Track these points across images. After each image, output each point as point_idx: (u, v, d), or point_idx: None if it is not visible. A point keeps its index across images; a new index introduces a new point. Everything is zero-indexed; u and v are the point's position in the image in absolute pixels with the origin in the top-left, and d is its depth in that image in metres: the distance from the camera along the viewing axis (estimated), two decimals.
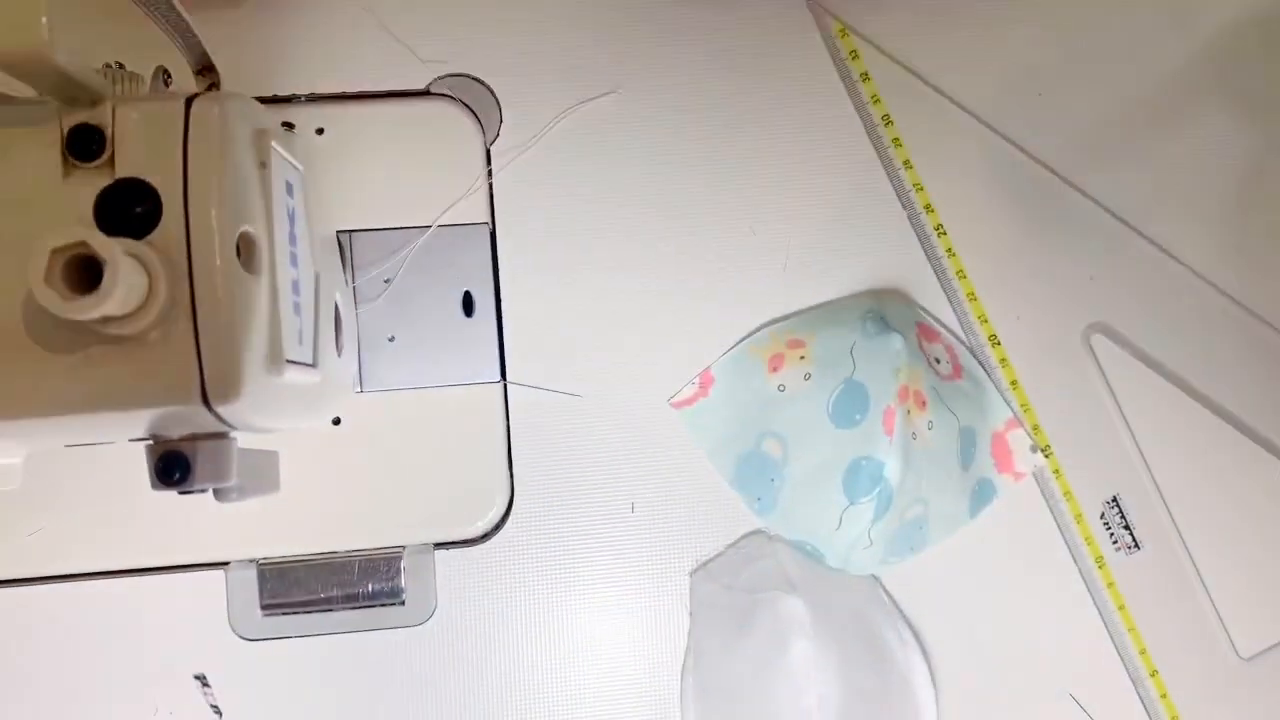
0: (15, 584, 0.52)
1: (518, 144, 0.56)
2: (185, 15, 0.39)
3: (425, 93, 0.56)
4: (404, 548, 0.54)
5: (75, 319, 0.31)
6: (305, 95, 0.54)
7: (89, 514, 0.52)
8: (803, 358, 0.55)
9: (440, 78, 0.56)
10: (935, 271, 0.57)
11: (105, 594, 0.53)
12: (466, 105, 0.56)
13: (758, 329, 0.57)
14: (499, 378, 0.55)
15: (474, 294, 0.55)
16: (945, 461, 0.55)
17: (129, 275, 0.31)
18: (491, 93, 0.56)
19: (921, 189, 0.57)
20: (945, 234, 0.57)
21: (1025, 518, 0.58)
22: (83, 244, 0.30)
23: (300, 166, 0.42)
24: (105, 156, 0.34)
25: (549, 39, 0.56)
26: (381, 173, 0.54)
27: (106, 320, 0.32)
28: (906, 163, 0.57)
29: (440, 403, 0.55)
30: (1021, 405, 0.57)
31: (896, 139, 0.57)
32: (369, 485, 0.54)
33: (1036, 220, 0.58)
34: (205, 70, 0.42)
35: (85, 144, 0.34)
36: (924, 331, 0.56)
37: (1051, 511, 0.57)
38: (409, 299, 0.54)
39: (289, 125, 0.53)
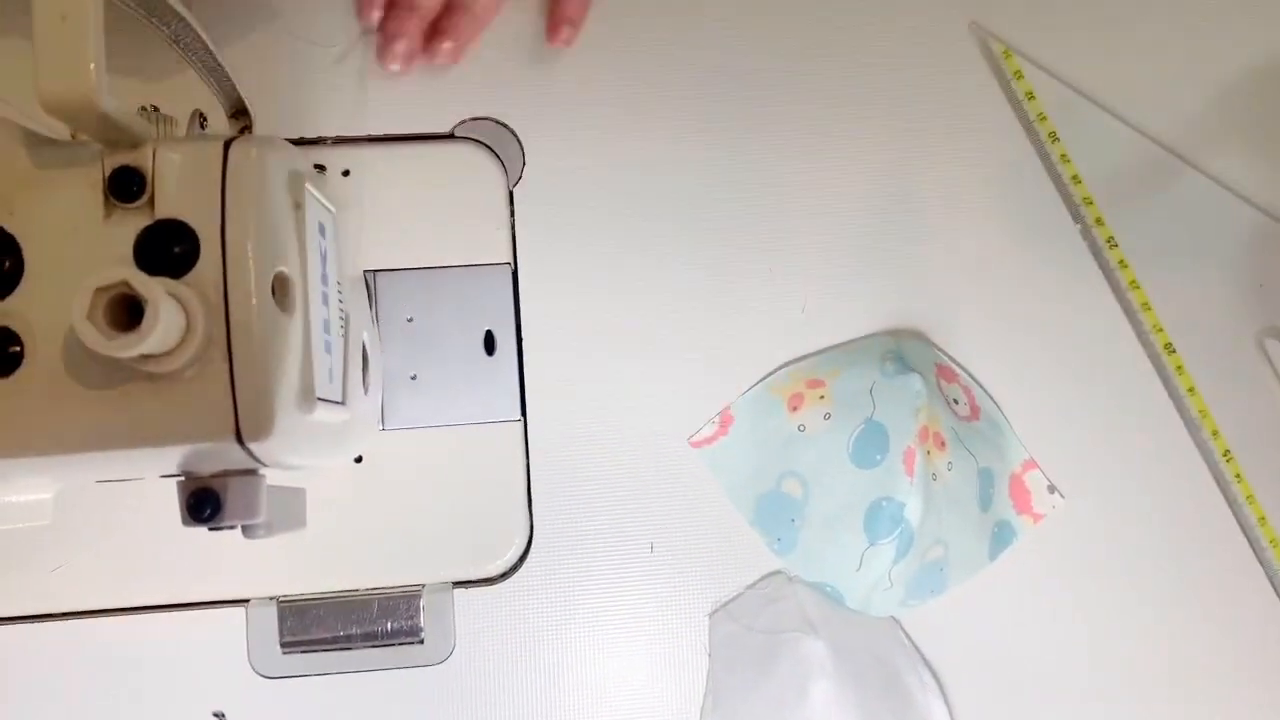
0: (37, 619, 0.52)
1: (540, 186, 0.57)
2: (221, 60, 0.40)
3: (450, 136, 0.57)
4: (423, 586, 0.54)
5: (115, 356, 0.31)
6: (332, 138, 0.55)
7: (110, 551, 0.52)
8: (822, 397, 0.56)
9: (464, 121, 0.57)
10: (1110, 285, 0.58)
11: (125, 630, 0.53)
12: (490, 148, 0.56)
13: (776, 369, 0.57)
14: (519, 416, 0.55)
15: (495, 333, 0.56)
16: (965, 503, 0.55)
17: (168, 314, 0.32)
18: (515, 136, 0.57)
19: (1091, 203, 0.58)
20: (1117, 246, 0.58)
21: (1047, 560, 0.57)
22: (125, 283, 0.31)
23: (333, 208, 0.42)
24: (145, 197, 0.35)
25: (571, 82, 0.57)
26: (406, 214, 0.55)
27: (144, 358, 0.33)
28: (1075, 178, 0.58)
29: (461, 441, 0.55)
30: (1199, 412, 0.58)
31: (1064, 155, 0.58)
32: (389, 523, 0.54)
33: (1204, 230, 0.59)
34: (239, 113, 0.43)
35: (126, 185, 0.35)
36: (942, 372, 0.57)
37: (1235, 516, 0.58)
38: (431, 338, 0.55)
39: (320, 167, 0.54)
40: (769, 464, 0.56)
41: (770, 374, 0.57)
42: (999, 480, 0.57)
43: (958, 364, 0.58)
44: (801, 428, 0.56)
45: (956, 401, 0.56)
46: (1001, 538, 0.57)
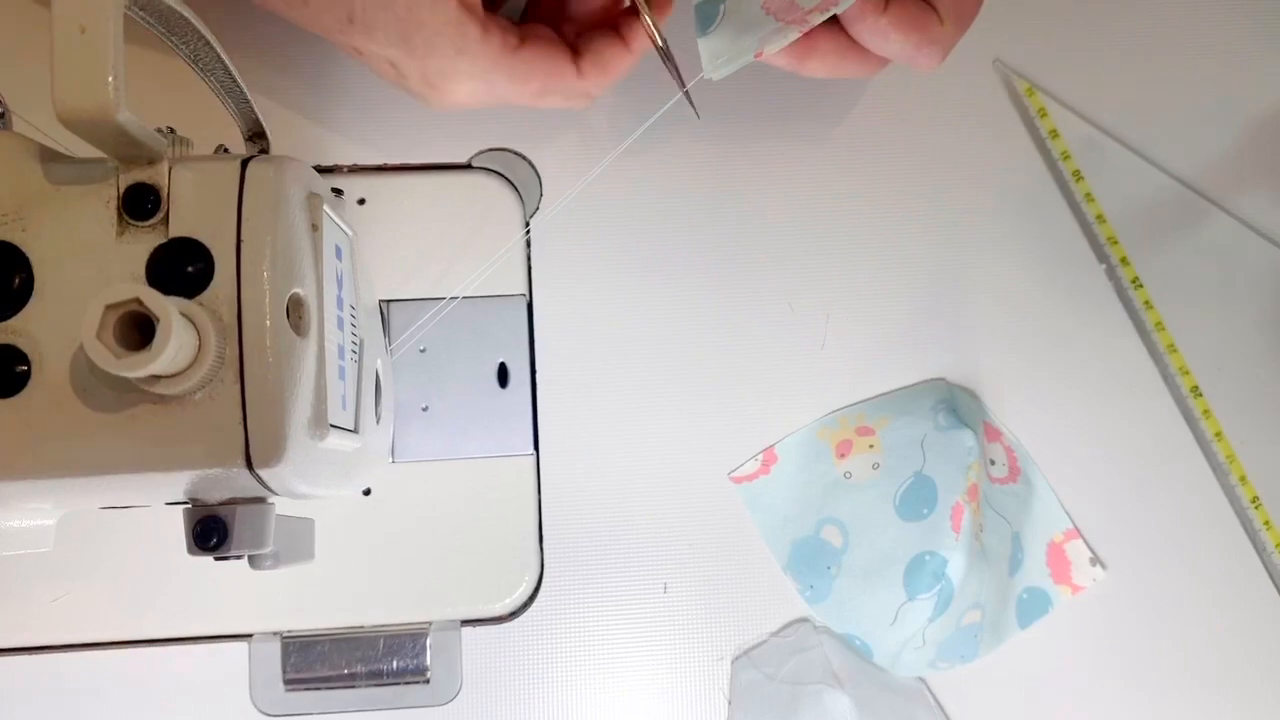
0: (37, 651, 0.51)
1: (557, 217, 0.56)
2: (240, 82, 0.39)
3: (467, 166, 0.56)
4: (430, 624, 0.53)
5: (124, 376, 0.30)
6: (348, 166, 0.55)
7: (113, 581, 0.51)
8: (872, 446, 0.54)
9: (482, 151, 0.56)
10: (1135, 325, 0.58)
11: (126, 664, 0.52)
12: (507, 179, 0.56)
13: (828, 414, 0.55)
14: (532, 450, 0.54)
15: (509, 365, 0.55)
16: (997, 567, 0.54)
17: (180, 333, 0.31)
18: (532, 167, 0.56)
19: (1116, 243, 0.58)
20: (1142, 287, 0.57)
21: (1087, 635, 0.56)
22: (136, 301, 0.30)
23: (350, 232, 0.42)
24: (160, 215, 0.34)
25: (591, 113, 0.57)
26: (422, 243, 0.54)
27: (154, 379, 0.32)
28: (1100, 217, 0.58)
29: (472, 475, 0.54)
30: (1227, 457, 0.56)
31: (1089, 194, 0.58)
32: (397, 558, 0.53)
33: (1230, 271, 0.58)
34: (256, 136, 0.42)
35: (141, 203, 0.34)
36: (988, 430, 0.55)
37: (1264, 565, 0.56)
38: (444, 369, 0.54)
39: (338, 191, 0.53)
40: (809, 509, 0.55)
41: (821, 418, 0.55)
42: (1030, 546, 0.55)
43: (1004, 424, 0.56)
44: (848, 475, 0.54)
45: (994, 462, 0.55)
46: (1034, 606, 0.55)
